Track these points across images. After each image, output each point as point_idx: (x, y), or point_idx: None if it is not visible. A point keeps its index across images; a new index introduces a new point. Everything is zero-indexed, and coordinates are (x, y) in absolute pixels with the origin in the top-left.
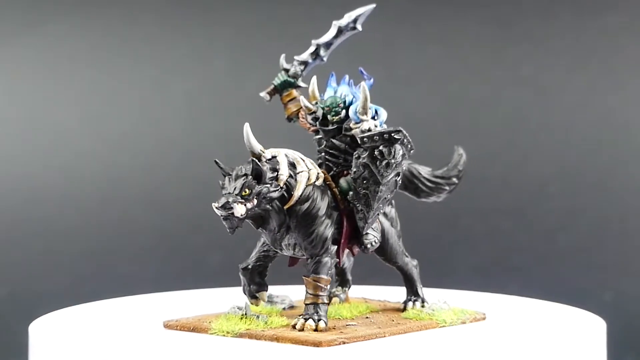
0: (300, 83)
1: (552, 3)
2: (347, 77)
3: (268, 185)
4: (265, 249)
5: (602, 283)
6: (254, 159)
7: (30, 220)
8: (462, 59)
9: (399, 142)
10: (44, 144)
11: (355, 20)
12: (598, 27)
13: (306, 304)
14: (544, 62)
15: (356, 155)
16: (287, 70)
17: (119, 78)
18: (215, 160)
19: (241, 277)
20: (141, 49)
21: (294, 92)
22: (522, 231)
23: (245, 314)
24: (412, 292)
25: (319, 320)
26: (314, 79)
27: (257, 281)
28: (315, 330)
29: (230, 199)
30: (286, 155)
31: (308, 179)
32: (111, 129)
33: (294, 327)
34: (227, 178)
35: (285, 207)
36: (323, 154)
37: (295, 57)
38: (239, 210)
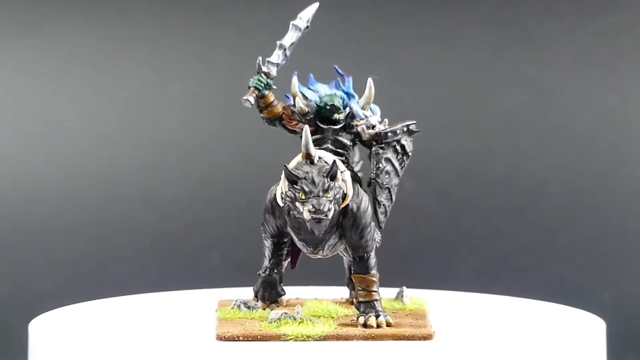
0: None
1: (552, 3)
2: (311, 76)
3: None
4: (279, 252)
5: (602, 283)
6: (335, 160)
7: (30, 220)
8: (462, 59)
9: (414, 134)
10: (43, 144)
11: (308, 20)
12: (598, 27)
13: (364, 302)
14: (544, 62)
15: (376, 151)
16: (266, 74)
17: (119, 78)
18: (284, 165)
19: (261, 283)
20: (141, 49)
21: (272, 95)
22: (522, 231)
23: (302, 318)
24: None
25: (386, 316)
26: (295, 80)
27: (278, 288)
28: (388, 326)
29: (326, 202)
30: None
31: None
32: (111, 129)
33: (364, 325)
34: (303, 181)
35: (341, 206)
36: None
37: (268, 59)
38: (332, 212)
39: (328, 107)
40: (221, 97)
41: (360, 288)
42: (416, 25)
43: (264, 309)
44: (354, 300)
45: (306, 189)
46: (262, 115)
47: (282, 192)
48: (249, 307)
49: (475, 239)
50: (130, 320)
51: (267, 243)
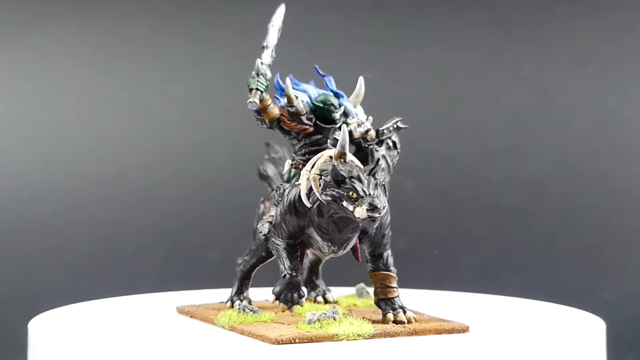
0: None
1: (552, 3)
2: (291, 76)
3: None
4: (296, 253)
5: (602, 283)
6: (379, 158)
7: (30, 219)
8: (462, 59)
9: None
10: (43, 144)
11: (281, 20)
12: (598, 27)
13: (386, 299)
14: (544, 62)
15: (375, 149)
16: (264, 75)
17: (119, 78)
18: (333, 165)
19: (286, 285)
20: (141, 49)
21: (269, 98)
22: (522, 231)
23: (340, 318)
24: (318, 284)
25: (409, 310)
26: (288, 81)
27: (300, 290)
28: (415, 320)
29: (379, 200)
30: None
31: None
32: (111, 129)
33: (395, 322)
34: (354, 180)
35: None
36: None
37: (262, 61)
38: (385, 209)
39: (327, 107)
40: (221, 97)
41: (383, 285)
42: (416, 25)
43: (284, 311)
44: (374, 297)
45: (358, 187)
46: (260, 118)
47: (307, 192)
48: (253, 311)
49: (475, 239)
50: (130, 320)
51: (282, 245)
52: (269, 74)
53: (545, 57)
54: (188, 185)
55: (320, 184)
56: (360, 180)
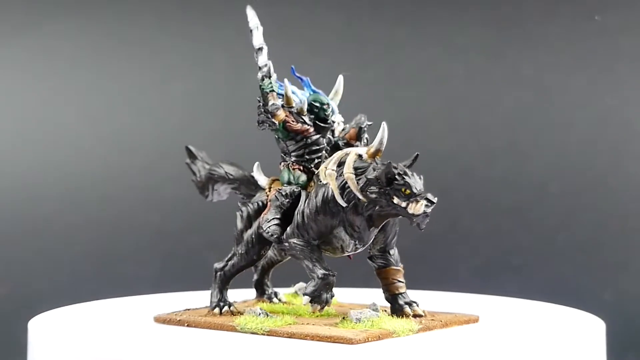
0: None
1: (552, 3)
2: (276, 78)
3: None
4: (322, 254)
5: (602, 283)
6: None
7: (30, 219)
8: (462, 59)
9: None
10: (43, 143)
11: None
12: (598, 27)
13: (398, 294)
14: (544, 62)
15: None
16: (272, 77)
17: (119, 78)
18: (388, 162)
19: (323, 285)
20: (141, 49)
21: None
22: (522, 231)
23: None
24: (269, 285)
25: None
26: (286, 82)
27: (332, 290)
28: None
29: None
30: None
31: None
32: (111, 129)
33: (415, 316)
34: (407, 178)
35: None
36: (324, 152)
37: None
38: None
39: (322, 106)
40: (221, 97)
41: (393, 280)
42: (416, 25)
43: (313, 312)
44: (384, 294)
45: (411, 182)
46: (270, 120)
47: (340, 192)
48: (268, 315)
49: (475, 239)
50: (130, 320)
51: (308, 246)
52: (274, 76)
53: (545, 57)
54: (188, 186)
55: (358, 183)
56: (409, 177)
